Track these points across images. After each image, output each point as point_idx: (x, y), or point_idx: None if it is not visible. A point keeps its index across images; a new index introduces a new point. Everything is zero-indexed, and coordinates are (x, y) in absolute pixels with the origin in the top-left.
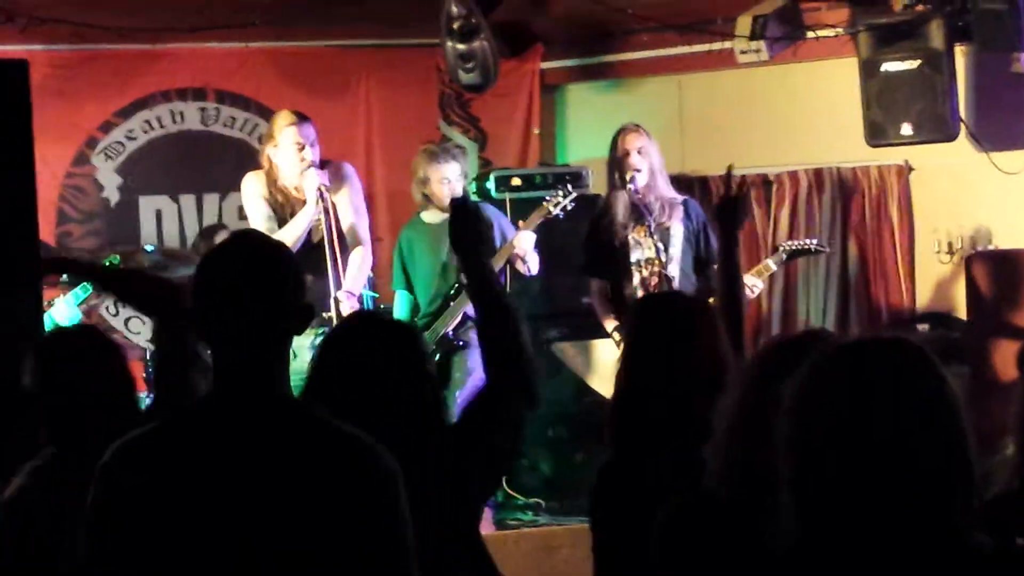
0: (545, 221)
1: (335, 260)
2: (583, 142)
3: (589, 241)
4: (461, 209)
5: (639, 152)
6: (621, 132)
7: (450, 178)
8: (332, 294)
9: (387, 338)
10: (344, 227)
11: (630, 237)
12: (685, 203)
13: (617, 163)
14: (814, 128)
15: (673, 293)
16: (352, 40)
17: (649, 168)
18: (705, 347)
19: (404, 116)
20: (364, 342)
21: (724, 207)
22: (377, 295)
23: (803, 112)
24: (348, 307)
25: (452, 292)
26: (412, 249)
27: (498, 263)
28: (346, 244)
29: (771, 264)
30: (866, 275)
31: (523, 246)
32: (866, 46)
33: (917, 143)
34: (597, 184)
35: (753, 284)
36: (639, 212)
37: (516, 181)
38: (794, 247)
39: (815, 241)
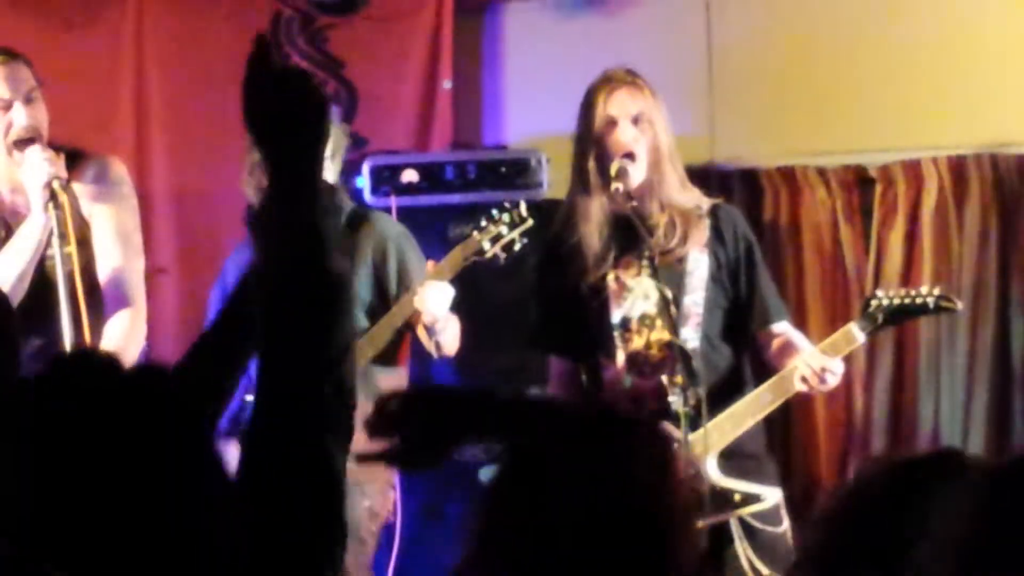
0: (475, 264)
1: (76, 316)
2: (533, 107)
3: (541, 287)
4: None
5: (634, 121)
6: (603, 85)
7: None
8: None
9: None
10: (103, 271)
11: (610, 278)
12: (714, 213)
13: (594, 141)
14: (949, 82)
15: (577, 405)
16: None
17: (652, 151)
18: (638, 508)
19: (207, 55)
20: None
21: None
22: None
23: (931, 53)
24: None
25: None
26: None
27: (386, 332)
28: (99, 297)
29: (855, 332)
30: None
31: (431, 308)
32: None
33: None
34: (557, 181)
35: (821, 368)
36: (629, 233)
37: (410, 176)
38: (896, 301)
39: (936, 291)
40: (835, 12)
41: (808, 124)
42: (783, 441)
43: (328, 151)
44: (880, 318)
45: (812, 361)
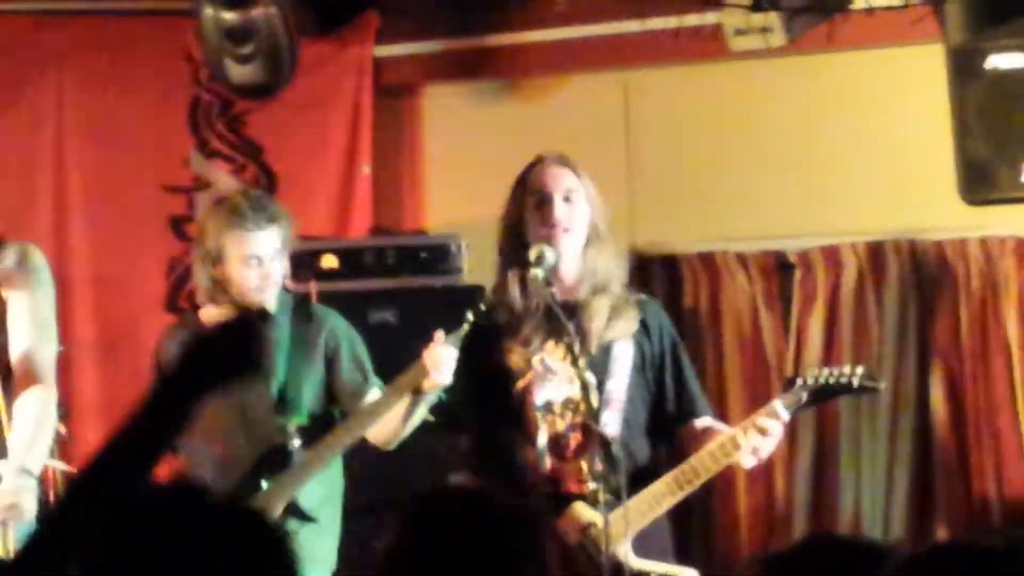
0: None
1: None
2: (452, 192)
3: (465, 364)
4: None
5: (565, 198)
6: (533, 166)
7: (262, 256)
8: None
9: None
10: (14, 354)
11: (536, 360)
12: (642, 305)
13: (521, 222)
14: (866, 169)
15: (462, 492)
16: (38, 2)
17: (590, 224)
18: None
19: (127, 140)
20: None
21: None
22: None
23: (846, 140)
24: (18, 492)
25: (261, 471)
26: None
27: (393, 401)
28: (11, 378)
29: (780, 409)
30: (961, 432)
31: (444, 368)
32: (959, 24)
33: None
34: (476, 267)
35: (754, 447)
36: (557, 312)
37: (329, 261)
38: (821, 381)
39: (859, 371)
40: (753, 99)
41: (727, 210)
42: (704, 527)
43: (279, 243)
44: (804, 396)
45: (736, 439)
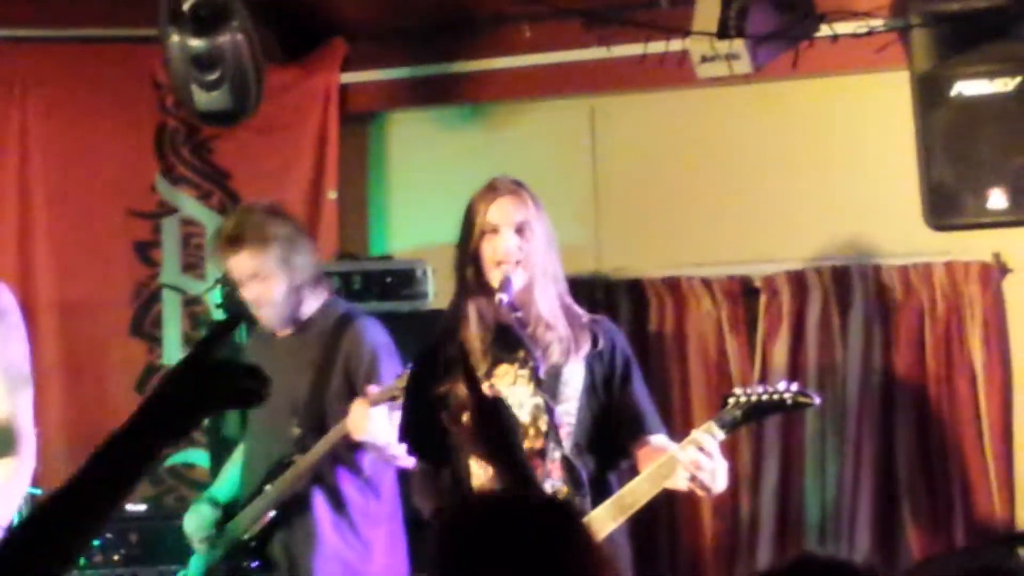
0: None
1: None
2: (418, 217)
3: (416, 391)
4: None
5: (518, 230)
6: (486, 194)
7: (238, 280)
8: None
9: None
10: None
11: (485, 386)
12: (593, 326)
13: (476, 249)
14: (831, 195)
15: (514, 499)
16: (1, 29)
17: (536, 259)
18: None
19: (93, 166)
20: None
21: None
22: None
23: (812, 167)
24: None
25: (276, 464)
26: None
27: (321, 450)
28: None
29: (715, 429)
30: (926, 450)
31: (356, 430)
32: (925, 52)
33: (1014, 224)
34: (442, 291)
35: (690, 461)
36: (507, 341)
37: None
38: (754, 399)
39: (792, 387)
40: (719, 126)
41: (693, 235)
42: (670, 546)
43: (255, 266)
44: (738, 415)
45: (686, 453)
